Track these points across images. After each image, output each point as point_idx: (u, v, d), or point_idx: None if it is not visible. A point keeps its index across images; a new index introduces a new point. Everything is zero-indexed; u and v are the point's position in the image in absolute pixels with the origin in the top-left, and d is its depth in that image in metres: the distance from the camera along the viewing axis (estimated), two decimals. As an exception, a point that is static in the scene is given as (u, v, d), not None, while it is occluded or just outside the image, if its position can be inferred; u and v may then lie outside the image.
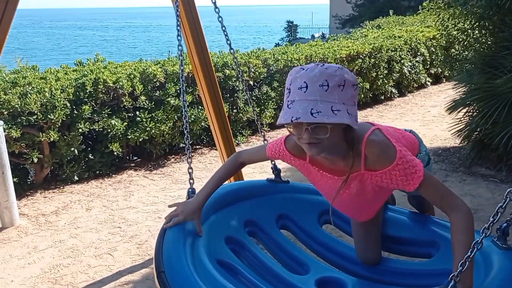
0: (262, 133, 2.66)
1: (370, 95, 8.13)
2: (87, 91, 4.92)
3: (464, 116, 5.09)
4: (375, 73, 8.01)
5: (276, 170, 2.43)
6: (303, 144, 1.51)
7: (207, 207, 1.99)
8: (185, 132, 2.35)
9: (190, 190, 2.09)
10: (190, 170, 2.18)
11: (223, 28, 2.90)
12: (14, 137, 4.40)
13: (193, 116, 5.63)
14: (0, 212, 3.93)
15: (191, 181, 2.14)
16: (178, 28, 2.57)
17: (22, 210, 4.30)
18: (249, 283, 1.80)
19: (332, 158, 1.63)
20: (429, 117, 7.45)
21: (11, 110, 4.45)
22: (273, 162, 2.50)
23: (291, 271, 1.99)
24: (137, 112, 5.30)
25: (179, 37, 2.55)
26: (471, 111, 4.94)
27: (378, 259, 2.04)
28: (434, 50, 9.51)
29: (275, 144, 1.87)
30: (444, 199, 1.52)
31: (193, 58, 3.31)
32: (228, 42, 2.92)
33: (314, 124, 1.43)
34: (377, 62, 8.00)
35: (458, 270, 1.30)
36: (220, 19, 2.84)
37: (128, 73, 5.33)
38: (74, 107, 4.86)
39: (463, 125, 4.99)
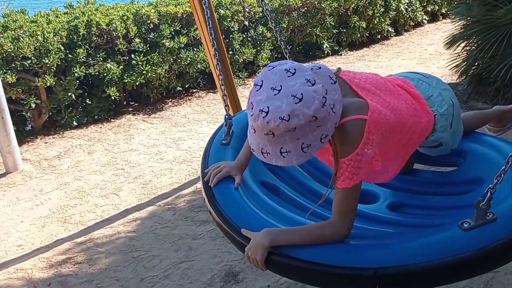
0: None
1: (367, 35, 8.01)
2: (81, 34, 4.82)
3: (462, 51, 5.06)
4: (372, 12, 7.85)
5: None
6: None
7: (242, 134, 2.00)
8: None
9: (227, 116, 2.09)
10: (225, 97, 2.23)
11: None
12: (9, 82, 4.35)
13: (188, 59, 5.55)
14: (3, 157, 3.96)
15: (227, 107, 2.17)
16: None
17: (24, 155, 4.33)
18: (291, 200, 1.88)
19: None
20: (426, 55, 7.39)
21: (4, 55, 4.37)
22: None
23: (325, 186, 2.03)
24: (132, 55, 5.22)
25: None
26: (470, 45, 4.91)
27: (411, 167, 2.07)
28: (431, -14, 9.28)
29: None
30: (342, 208, 1.46)
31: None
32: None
33: None
34: (373, -1, 7.82)
35: (494, 183, 1.36)
36: None
37: (121, 14, 5.20)
38: (68, 51, 4.77)
39: (461, 60, 4.97)
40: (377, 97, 1.55)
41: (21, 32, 4.52)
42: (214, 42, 2.73)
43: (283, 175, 2.04)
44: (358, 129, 1.43)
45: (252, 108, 1.35)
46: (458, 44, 5.03)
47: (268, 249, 1.44)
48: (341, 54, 7.57)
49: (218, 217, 1.64)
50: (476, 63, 4.78)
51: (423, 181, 2.01)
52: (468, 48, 4.95)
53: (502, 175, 1.38)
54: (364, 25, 7.73)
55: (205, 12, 3.12)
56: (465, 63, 4.90)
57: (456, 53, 5.09)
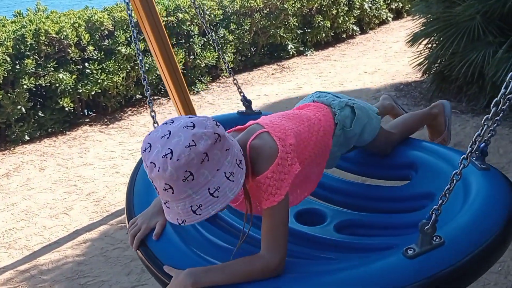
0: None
1: (332, 34, 7.94)
2: (28, 43, 4.56)
3: (424, 48, 5.01)
4: (336, 11, 7.79)
5: (246, 101, 2.28)
6: None
7: None
8: (143, 80, 2.15)
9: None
10: (153, 114, 2.01)
11: None
12: (-49, 98, 4.08)
13: (147, 65, 5.36)
14: None
15: (156, 125, 1.98)
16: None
17: (-30, 175, 4.07)
18: (228, 226, 1.70)
19: None
20: (391, 53, 7.36)
21: None
22: (242, 94, 2.35)
23: None
24: (86, 64, 4.99)
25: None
26: (431, 42, 4.86)
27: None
28: (394, -17, 9.30)
29: None
30: (270, 236, 1.32)
31: (135, 3, 3.04)
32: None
33: None
34: (337, -2, 7.76)
35: (439, 204, 1.25)
36: None
37: (72, 22, 4.96)
38: (15, 62, 4.52)
39: (423, 58, 4.92)
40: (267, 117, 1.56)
41: (-37, 44, 4.26)
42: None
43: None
44: (268, 140, 1.37)
45: (155, 166, 1.17)
46: (419, 41, 4.98)
47: None
48: (306, 55, 7.48)
49: (141, 251, 1.47)
50: (438, 61, 4.74)
51: (373, 197, 1.88)
52: (429, 45, 4.90)
53: (447, 195, 1.26)
54: (328, 25, 7.67)
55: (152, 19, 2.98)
56: (427, 61, 4.86)
57: (418, 51, 5.04)
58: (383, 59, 7.03)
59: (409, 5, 7.88)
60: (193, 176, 1.17)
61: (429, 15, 4.72)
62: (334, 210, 1.85)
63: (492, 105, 1.34)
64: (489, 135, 1.44)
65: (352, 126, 1.73)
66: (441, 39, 4.53)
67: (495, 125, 1.41)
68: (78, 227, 3.17)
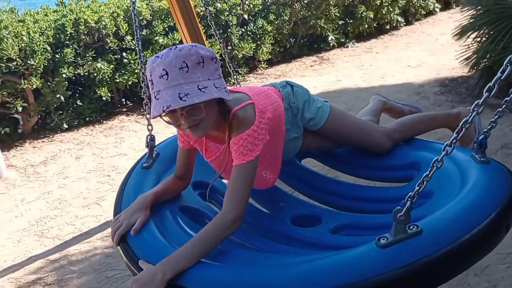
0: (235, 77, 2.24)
1: (375, 25, 7.66)
2: (68, 33, 4.62)
3: (473, 42, 4.73)
4: (379, 1, 7.50)
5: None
6: (185, 130, 1.46)
7: (167, 157, 1.85)
8: (142, 78, 2.11)
9: (149, 137, 1.92)
10: (148, 116, 1.95)
11: None
12: (-6, 86, 4.19)
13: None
14: (-15, 165, 3.81)
15: (150, 127, 1.95)
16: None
17: (11, 161, 4.17)
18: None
19: (216, 134, 1.59)
20: (437, 46, 7.03)
21: (-12, 57, 4.20)
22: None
23: (263, 211, 1.87)
24: (124, 54, 5.01)
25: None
26: (480, 36, 4.58)
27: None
28: (443, -28, 8.88)
29: (178, 132, 1.68)
30: (231, 192, 1.44)
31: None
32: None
33: (187, 107, 1.37)
34: (381, -12, 7.47)
35: (415, 190, 1.18)
36: None
37: (111, 11, 4.99)
38: (56, 50, 4.58)
39: (471, 52, 4.65)
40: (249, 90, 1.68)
41: (6, 32, 4.35)
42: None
43: (217, 199, 1.84)
44: (251, 110, 1.52)
45: (159, 57, 1.38)
46: (468, 35, 4.70)
47: (165, 283, 1.26)
48: (347, 47, 7.26)
49: (120, 247, 1.48)
50: (488, 56, 4.46)
51: (372, 198, 1.80)
52: (478, 39, 4.62)
53: (425, 181, 1.18)
54: (371, 15, 7.40)
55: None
56: (476, 55, 4.58)
57: (466, 45, 4.77)
58: (429, 52, 6.72)
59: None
60: (188, 69, 1.36)
61: (479, 7, 4.44)
62: (331, 212, 1.78)
63: (484, 91, 1.26)
64: (489, 127, 1.39)
65: (295, 102, 1.83)
66: (491, 32, 4.25)
67: (496, 116, 1.37)
68: (108, 218, 3.19)
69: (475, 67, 4.70)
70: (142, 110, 5.25)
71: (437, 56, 6.49)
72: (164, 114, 1.38)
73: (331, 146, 2.01)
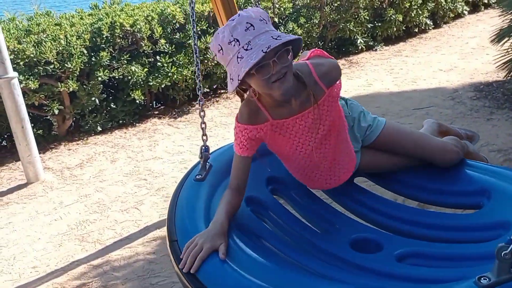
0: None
1: (403, 28, 7.57)
2: (104, 36, 4.66)
3: (511, 46, 4.63)
4: (409, 3, 7.41)
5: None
6: (274, 84, 1.50)
7: (221, 170, 1.82)
8: (197, 81, 2.09)
9: (203, 148, 1.90)
10: (203, 125, 1.97)
11: None
12: (32, 88, 4.23)
13: (216, 59, 5.32)
14: (24, 167, 3.85)
15: (204, 137, 1.94)
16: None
17: (47, 163, 4.22)
18: (275, 247, 1.63)
19: (297, 91, 1.63)
20: (468, 49, 6.91)
21: (26, 60, 4.26)
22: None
23: (321, 232, 1.80)
24: (158, 57, 5.03)
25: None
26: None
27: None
28: (473, -26, 8.74)
29: (236, 139, 1.68)
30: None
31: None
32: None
33: (280, 52, 1.45)
34: (411, -9, 7.38)
35: None
36: None
37: (145, 15, 5.02)
38: (91, 54, 4.63)
39: (511, 57, 4.55)
40: None
41: (44, 36, 4.40)
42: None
43: (269, 217, 1.81)
44: (319, 57, 1.73)
45: (232, 20, 1.48)
46: (506, 39, 4.61)
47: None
48: (376, 50, 7.19)
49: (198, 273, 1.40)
50: (527, 61, 4.36)
51: (438, 225, 1.72)
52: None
53: None
54: (400, 18, 7.31)
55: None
56: (515, 61, 4.49)
57: (504, 50, 4.67)
58: (459, 55, 6.61)
59: (492, -1, 7.36)
60: (266, 21, 1.50)
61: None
62: (394, 238, 1.69)
63: None
64: None
65: (350, 113, 1.89)
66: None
67: None
68: (148, 223, 3.20)
69: (513, 73, 4.60)
70: (174, 113, 5.28)
71: (469, 59, 6.38)
72: (256, 67, 1.44)
73: (390, 164, 1.96)
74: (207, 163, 1.91)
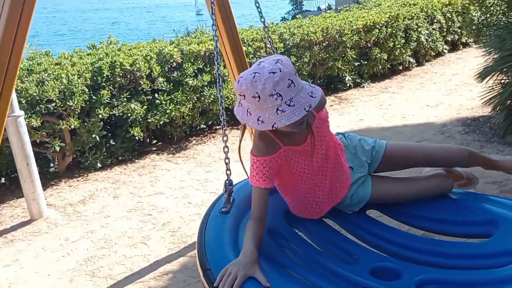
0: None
1: (388, 66, 7.91)
2: (104, 75, 4.77)
3: (496, 83, 4.90)
4: (392, 43, 7.77)
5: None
6: (296, 127, 1.68)
7: (243, 202, 1.92)
8: (221, 119, 2.18)
9: (227, 182, 1.99)
10: (227, 161, 2.05)
11: (257, 5, 2.73)
12: (34, 126, 4.28)
13: (212, 96, 5.47)
14: (28, 204, 3.85)
15: (228, 172, 2.02)
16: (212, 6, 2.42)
17: (49, 200, 4.21)
18: (299, 276, 1.71)
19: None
20: (451, 86, 7.24)
21: (29, 99, 4.31)
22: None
23: (340, 262, 1.87)
24: (156, 95, 5.15)
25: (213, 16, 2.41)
26: (504, 78, 4.75)
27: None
28: (450, 16, 9.22)
29: (257, 173, 1.78)
30: None
31: (221, 33, 3.16)
32: (262, 19, 2.75)
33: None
34: (394, 31, 7.74)
35: None
36: None
37: (144, 54, 5.16)
38: (92, 92, 4.71)
39: (495, 93, 4.81)
40: None
41: (46, 75, 4.48)
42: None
43: (290, 248, 1.89)
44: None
45: (272, 72, 1.56)
46: (490, 76, 4.87)
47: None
48: (363, 87, 7.46)
49: None
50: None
51: (451, 254, 1.84)
52: (502, 81, 4.79)
53: None
54: (385, 57, 7.64)
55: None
56: (499, 96, 4.74)
57: (489, 86, 4.93)
58: (444, 92, 6.91)
59: (472, 38, 7.76)
60: (296, 75, 1.62)
61: (502, 51, 4.63)
62: (410, 267, 1.77)
63: None
64: None
65: (349, 142, 2.07)
66: (515, 75, 4.43)
67: None
68: (157, 257, 3.21)
69: (499, 108, 4.84)
70: (172, 149, 5.35)
71: (454, 96, 6.67)
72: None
73: (401, 190, 2.07)
74: (231, 197, 1.99)
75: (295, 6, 28.80)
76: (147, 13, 66.26)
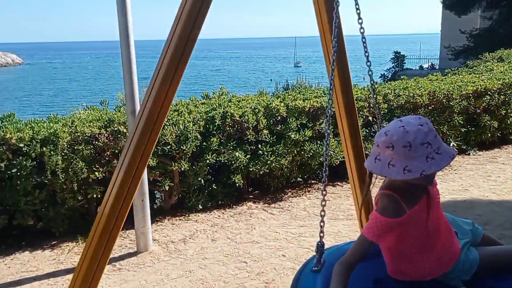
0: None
1: (498, 134, 7.53)
2: (216, 124, 5.12)
3: None
4: (505, 111, 7.42)
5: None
6: (430, 181, 1.85)
7: (333, 264, 1.96)
8: (324, 175, 2.26)
9: (319, 243, 2.07)
10: (322, 224, 2.12)
11: (368, 64, 2.83)
12: (151, 165, 4.69)
13: (312, 151, 5.60)
14: (137, 237, 4.18)
15: (322, 234, 2.09)
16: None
17: (153, 235, 4.53)
18: None
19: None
20: None
21: (148, 140, 4.76)
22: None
23: None
24: (259, 145, 5.40)
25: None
26: None
27: None
28: None
29: (372, 226, 1.84)
30: None
31: (336, 92, 3.28)
32: (372, 81, 2.85)
33: None
34: (507, 99, 7.41)
35: None
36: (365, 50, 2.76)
37: (252, 107, 5.47)
38: (203, 138, 5.08)
39: None
40: None
41: (165, 120, 4.93)
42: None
43: None
44: None
45: (420, 125, 1.75)
46: None
47: None
48: (469, 154, 7.16)
49: None
50: None
51: None
52: None
53: None
54: (496, 125, 7.30)
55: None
56: None
57: None
58: (561, 168, 6.40)
59: None
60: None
61: None
62: None
63: None
64: None
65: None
66: None
67: None
68: (250, 306, 3.31)
69: None
70: (268, 198, 5.52)
71: None
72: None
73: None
74: (322, 258, 2.08)
75: (396, 64, 28.52)
76: (248, 63, 69.63)
